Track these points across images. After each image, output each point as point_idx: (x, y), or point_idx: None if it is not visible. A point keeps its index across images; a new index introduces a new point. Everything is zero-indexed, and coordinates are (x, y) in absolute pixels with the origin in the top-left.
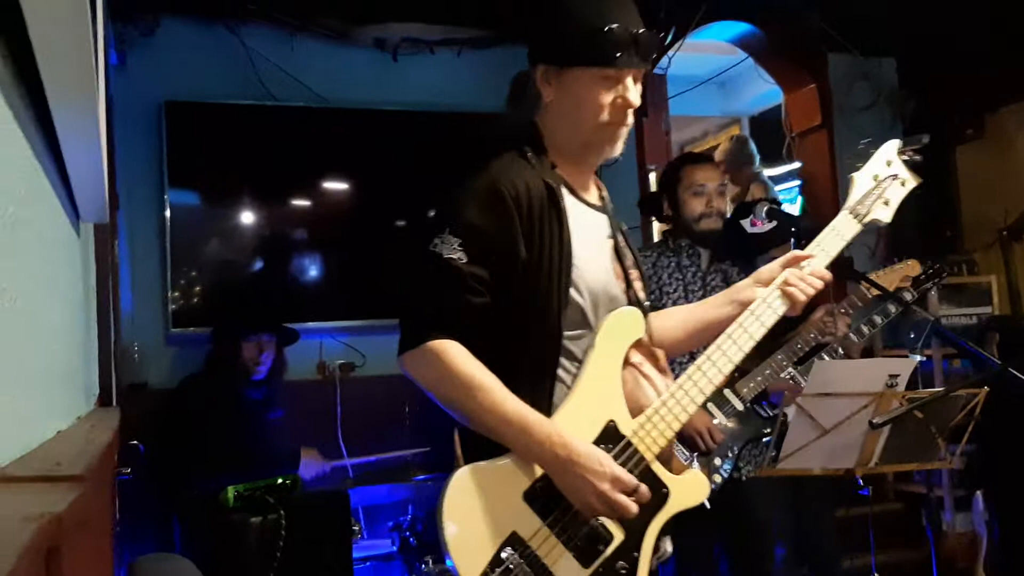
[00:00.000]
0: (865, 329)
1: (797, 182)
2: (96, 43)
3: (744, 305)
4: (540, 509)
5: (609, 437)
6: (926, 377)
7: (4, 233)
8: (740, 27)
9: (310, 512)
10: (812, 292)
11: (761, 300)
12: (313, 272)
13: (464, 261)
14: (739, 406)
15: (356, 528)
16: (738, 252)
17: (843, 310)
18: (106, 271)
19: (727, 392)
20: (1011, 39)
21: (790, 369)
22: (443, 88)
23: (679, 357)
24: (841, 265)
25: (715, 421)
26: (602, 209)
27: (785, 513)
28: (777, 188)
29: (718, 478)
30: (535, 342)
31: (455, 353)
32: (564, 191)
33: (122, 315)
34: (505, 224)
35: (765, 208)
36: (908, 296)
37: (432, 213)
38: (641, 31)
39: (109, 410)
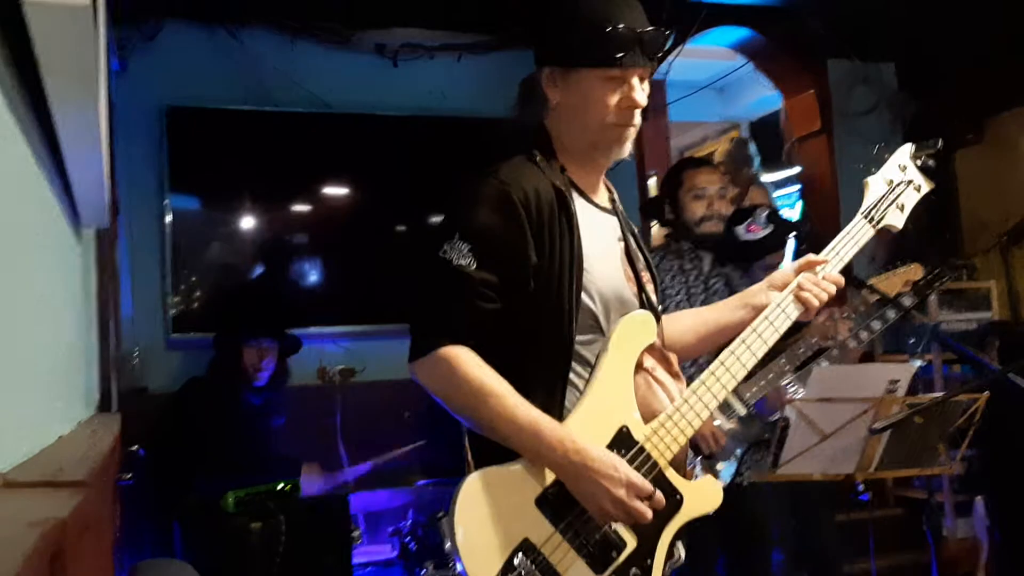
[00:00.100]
0: (864, 335)
1: (797, 187)
2: (98, 49)
3: (757, 310)
4: (552, 515)
5: (622, 442)
6: (926, 382)
7: (5, 238)
8: (740, 32)
9: (310, 517)
10: (826, 298)
11: (775, 305)
12: (313, 277)
13: (474, 267)
14: (741, 410)
15: (356, 533)
16: (734, 258)
17: (845, 314)
18: (107, 276)
19: (730, 396)
20: (1011, 43)
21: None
22: (443, 93)
23: (684, 362)
24: (842, 271)
25: (716, 423)
26: (612, 211)
27: (786, 518)
28: (777, 193)
29: (721, 482)
30: (546, 347)
31: (466, 360)
32: (574, 194)
33: (122, 320)
34: (515, 228)
35: (765, 212)
36: (908, 301)
37: (440, 218)
38: (645, 30)
39: (110, 415)
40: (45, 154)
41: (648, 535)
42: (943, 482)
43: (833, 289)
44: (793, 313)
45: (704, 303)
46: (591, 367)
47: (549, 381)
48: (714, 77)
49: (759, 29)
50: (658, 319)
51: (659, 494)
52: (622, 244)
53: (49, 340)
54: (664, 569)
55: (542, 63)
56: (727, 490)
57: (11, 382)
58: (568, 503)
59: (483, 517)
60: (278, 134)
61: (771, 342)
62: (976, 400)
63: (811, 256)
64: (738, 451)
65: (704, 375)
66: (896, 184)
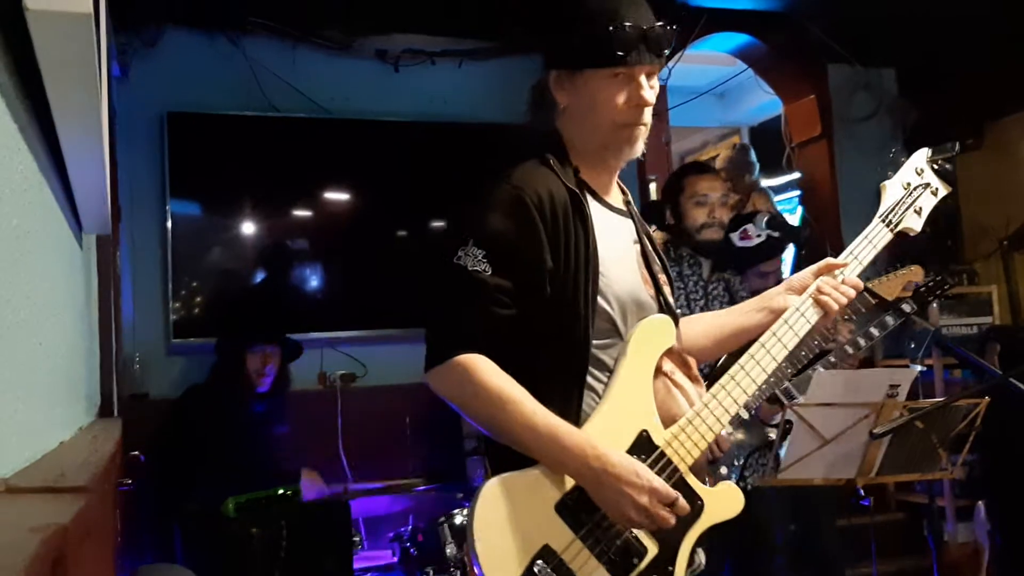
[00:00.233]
0: (862, 342)
1: (796, 192)
2: (99, 57)
3: (776, 313)
4: (572, 521)
5: (642, 447)
6: (927, 387)
7: (7, 244)
8: (740, 38)
9: (311, 523)
10: (845, 301)
11: (794, 309)
12: (314, 282)
13: (489, 273)
14: (744, 414)
15: (357, 539)
16: (730, 264)
17: (845, 316)
18: (108, 281)
19: None
20: (1010, 49)
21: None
22: (444, 99)
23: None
24: None
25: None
26: (627, 213)
27: (788, 523)
28: (776, 198)
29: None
30: (563, 352)
31: (482, 367)
32: (588, 196)
33: (123, 325)
34: (529, 233)
35: (766, 218)
36: (907, 308)
37: (452, 223)
38: (650, 26)
39: (111, 420)
40: (47, 160)
41: (669, 542)
42: (944, 487)
43: (852, 293)
44: (813, 317)
45: (704, 309)
46: (609, 371)
47: (566, 386)
48: (714, 83)
49: (759, 35)
50: (676, 322)
51: (682, 500)
52: (638, 246)
53: (51, 346)
54: (685, 575)
55: (549, 66)
56: None
57: (13, 387)
58: (588, 509)
59: (502, 523)
60: (279, 140)
61: (791, 346)
62: (977, 405)
63: (830, 259)
64: (741, 456)
65: (724, 378)
66: (913, 188)
